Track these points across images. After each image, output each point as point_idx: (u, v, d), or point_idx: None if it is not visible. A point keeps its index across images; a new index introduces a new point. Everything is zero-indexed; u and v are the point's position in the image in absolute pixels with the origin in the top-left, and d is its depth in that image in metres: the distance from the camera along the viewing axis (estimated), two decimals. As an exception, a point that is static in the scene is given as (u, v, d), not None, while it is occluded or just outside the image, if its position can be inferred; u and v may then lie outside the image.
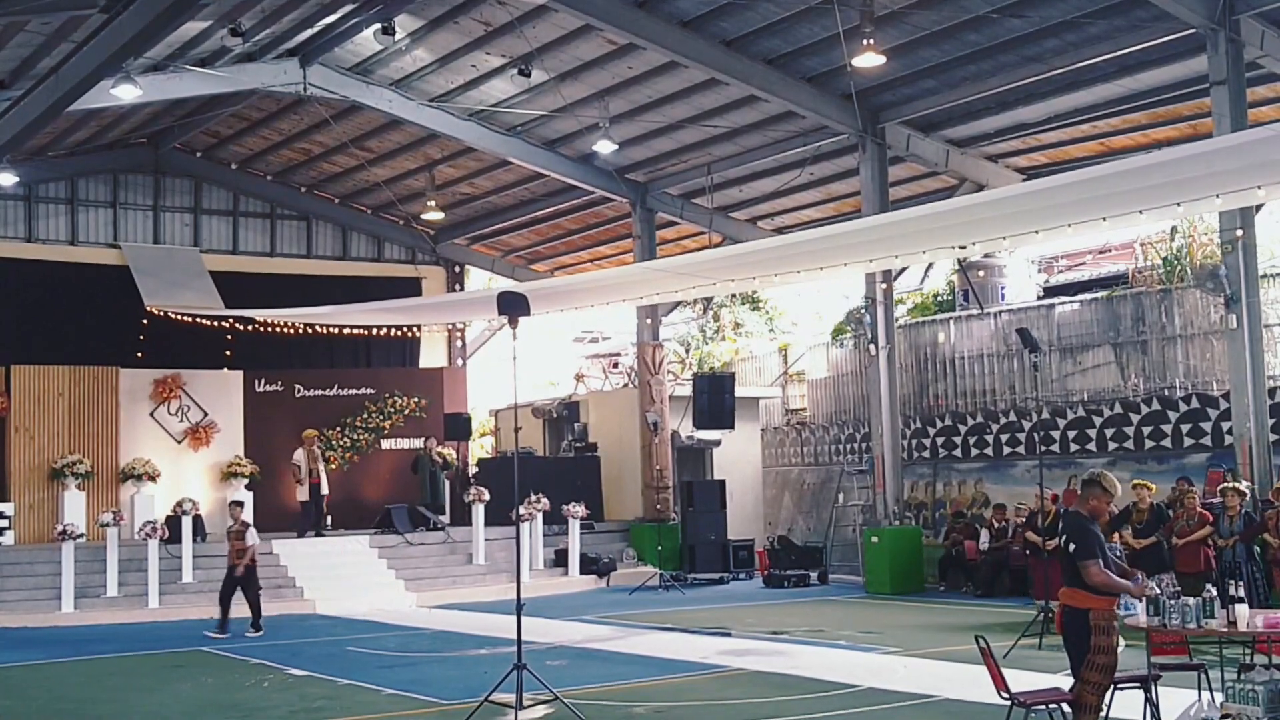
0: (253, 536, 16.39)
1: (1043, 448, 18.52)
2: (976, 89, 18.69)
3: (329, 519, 22.77)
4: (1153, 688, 8.24)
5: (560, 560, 22.40)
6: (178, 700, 11.56)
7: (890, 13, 16.75)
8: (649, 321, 25.00)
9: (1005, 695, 7.79)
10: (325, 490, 22.44)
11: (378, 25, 18.61)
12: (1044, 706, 7.94)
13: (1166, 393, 19.04)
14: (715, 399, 23.26)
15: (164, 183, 26.64)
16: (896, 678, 11.55)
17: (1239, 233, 15.81)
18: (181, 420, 24.83)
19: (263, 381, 25.67)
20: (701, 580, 22.39)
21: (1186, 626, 7.96)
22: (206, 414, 24.98)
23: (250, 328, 23.70)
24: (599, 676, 12.18)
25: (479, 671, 12.15)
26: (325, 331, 24.67)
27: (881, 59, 16.21)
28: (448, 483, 24.53)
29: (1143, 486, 14.98)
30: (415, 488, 24.06)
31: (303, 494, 22.25)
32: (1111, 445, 19.47)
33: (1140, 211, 13.45)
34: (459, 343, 29.78)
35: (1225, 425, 17.34)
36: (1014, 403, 21.19)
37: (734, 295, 29.39)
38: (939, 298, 24.87)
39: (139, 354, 24.68)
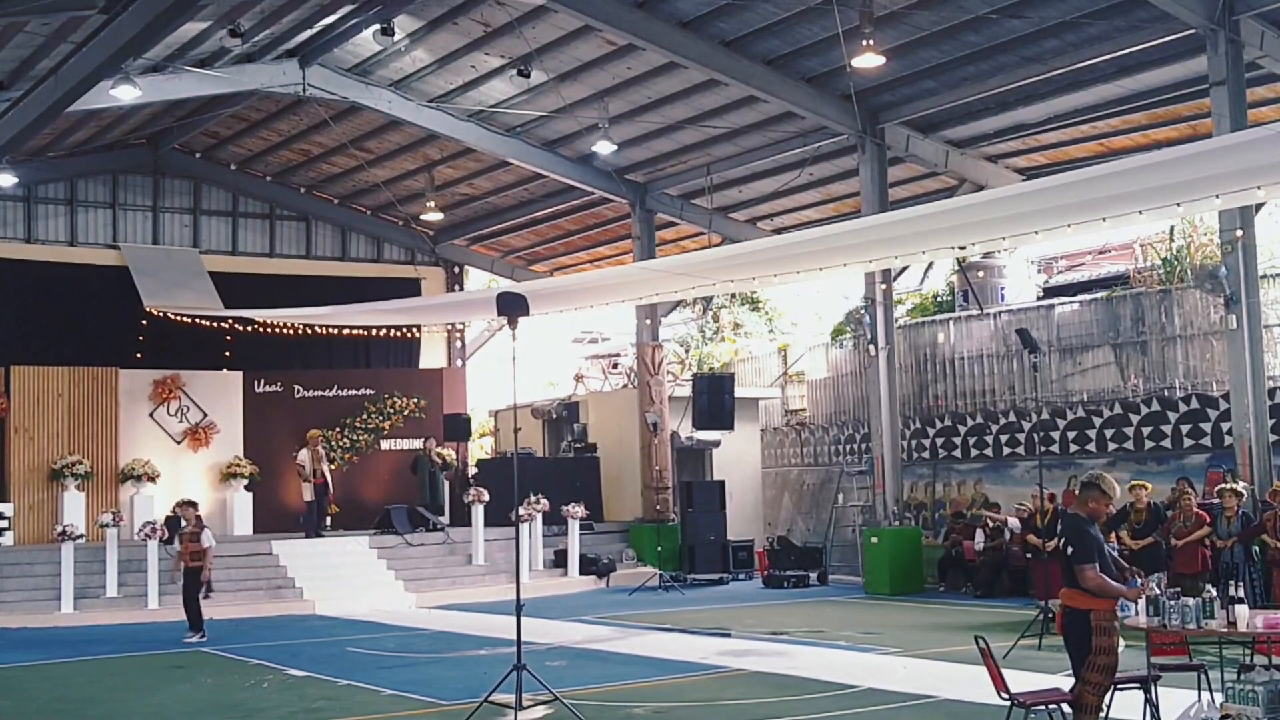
0: (208, 539, 15.96)
1: (1042, 448, 18.51)
2: (976, 89, 18.69)
3: (330, 519, 22.77)
4: (1153, 688, 8.25)
5: (560, 561, 22.38)
6: (177, 700, 11.55)
7: (890, 13, 16.75)
8: (648, 322, 25.00)
9: (1005, 696, 7.79)
10: (331, 490, 22.48)
11: (377, 26, 18.63)
12: (1044, 707, 7.95)
13: (1166, 393, 19.03)
14: (715, 399, 23.23)
15: (163, 183, 26.65)
16: (896, 678, 11.55)
17: (1239, 233, 15.79)
18: (181, 421, 24.84)
19: (262, 382, 25.69)
20: (701, 581, 22.37)
21: (1186, 627, 7.96)
22: (206, 415, 24.99)
23: (250, 328, 23.68)
24: (598, 677, 12.18)
25: (479, 672, 12.13)
26: (325, 332, 24.70)
27: (881, 59, 16.21)
28: (447, 483, 24.54)
29: (1140, 486, 14.93)
30: (415, 488, 24.07)
31: (308, 494, 22.25)
32: (1111, 446, 19.46)
33: (1140, 212, 13.43)
34: (458, 343, 29.78)
35: (1225, 426, 17.32)
36: (1014, 403, 21.19)
37: (733, 295, 29.37)
38: (939, 298, 24.84)
39: (138, 355, 24.69)
